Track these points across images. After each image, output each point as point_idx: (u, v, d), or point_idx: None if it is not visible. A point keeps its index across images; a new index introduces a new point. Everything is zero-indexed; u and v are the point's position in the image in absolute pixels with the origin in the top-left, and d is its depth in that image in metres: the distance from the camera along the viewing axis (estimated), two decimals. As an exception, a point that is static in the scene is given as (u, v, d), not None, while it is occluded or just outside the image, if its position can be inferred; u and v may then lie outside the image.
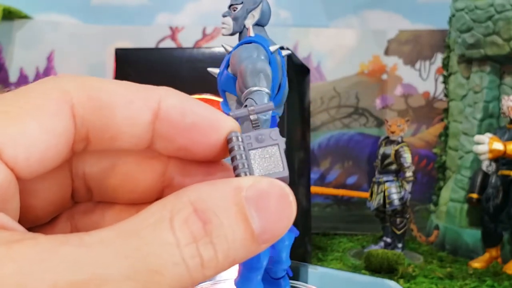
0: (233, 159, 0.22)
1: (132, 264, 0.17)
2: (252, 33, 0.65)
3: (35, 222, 0.23)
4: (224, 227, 0.19)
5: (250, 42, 0.63)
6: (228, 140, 0.22)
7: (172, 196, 0.19)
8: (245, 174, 0.21)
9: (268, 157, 0.22)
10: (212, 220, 0.18)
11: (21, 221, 0.20)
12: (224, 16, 0.67)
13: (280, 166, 0.22)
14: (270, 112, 0.62)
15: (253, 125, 0.24)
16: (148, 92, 0.22)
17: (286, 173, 0.22)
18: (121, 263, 0.17)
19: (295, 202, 0.20)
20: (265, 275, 0.67)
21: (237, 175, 0.22)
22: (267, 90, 0.59)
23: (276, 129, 0.23)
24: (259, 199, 0.19)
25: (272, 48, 0.62)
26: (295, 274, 0.73)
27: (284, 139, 0.23)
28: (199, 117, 0.22)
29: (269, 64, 0.62)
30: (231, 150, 0.22)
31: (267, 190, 0.20)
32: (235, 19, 0.66)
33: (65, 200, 0.24)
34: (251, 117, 0.24)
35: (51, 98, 0.20)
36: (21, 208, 0.21)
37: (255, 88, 0.59)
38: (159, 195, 0.24)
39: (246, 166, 0.22)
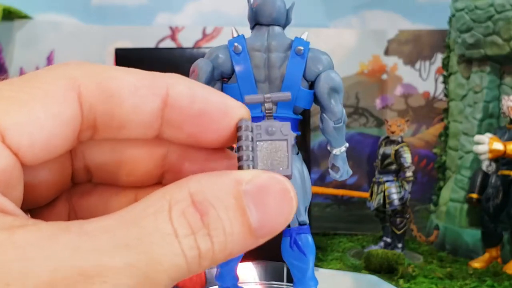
0: (239, 148, 0.22)
1: (132, 253, 0.17)
2: (234, 34, 0.66)
3: (35, 204, 0.23)
4: (222, 220, 0.19)
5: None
6: (238, 128, 0.22)
7: (172, 186, 0.19)
8: (248, 167, 0.21)
9: (275, 151, 0.22)
10: (210, 212, 0.19)
11: (21, 204, 0.20)
12: None
13: (285, 163, 0.22)
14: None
15: (266, 113, 0.23)
16: (155, 79, 0.21)
17: (289, 171, 0.22)
18: (121, 252, 0.17)
19: (296, 197, 0.20)
20: None
21: (240, 167, 0.21)
22: None
23: (288, 124, 0.22)
24: (258, 194, 0.19)
25: (236, 48, 0.63)
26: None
27: (294, 134, 0.23)
28: (209, 103, 0.21)
29: (234, 63, 0.63)
30: (238, 139, 0.22)
31: (267, 184, 0.19)
32: (248, 19, 0.68)
33: (65, 182, 0.24)
34: (266, 105, 0.23)
35: (58, 85, 0.20)
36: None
37: None
38: (158, 179, 0.24)
39: (250, 159, 0.21)
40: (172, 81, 0.21)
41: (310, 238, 0.64)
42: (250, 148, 0.21)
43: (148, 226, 0.18)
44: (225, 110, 0.22)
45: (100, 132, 0.21)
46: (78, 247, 0.17)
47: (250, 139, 0.22)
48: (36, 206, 0.23)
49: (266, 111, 0.23)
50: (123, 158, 0.23)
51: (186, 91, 0.21)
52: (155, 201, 0.19)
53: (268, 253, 0.66)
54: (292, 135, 0.22)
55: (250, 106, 0.24)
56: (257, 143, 0.22)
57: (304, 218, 0.63)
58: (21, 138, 0.19)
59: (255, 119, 0.24)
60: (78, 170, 0.24)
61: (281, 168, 0.21)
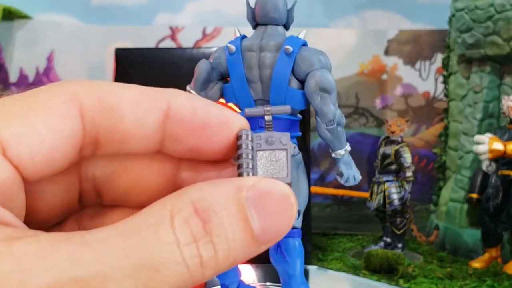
0: (239, 156, 0.22)
1: (132, 263, 0.17)
2: (237, 34, 0.66)
3: (40, 225, 0.23)
4: (224, 227, 0.18)
5: None
6: (238, 137, 0.22)
7: (173, 195, 0.19)
8: (248, 174, 0.21)
9: (275, 160, 0.22)
10: (212, 219, 0.18)
11: (26, 224, 0.20)
12: None
13: (285, 172, 0.22)
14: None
15: (266, 126, 0.24)
16: (156, 93, 0.21)
17: (289, 180, 0.22)
18: (122, 262, 0.17)
19: (296, 203, 0.20)
20: None
21: (240, 174, 0.21)
22: (191, 90, 0.64)
23: (288, 134, 0.22)
24: (260, 200, 0.19)
25: (229, 49, 0.63)
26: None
27: (294, 145, 0.23)
28: (210, 115, 0.22)
29: (228, 63, 0.63)
30: (238, 148, 0.22)
31: (268, 190, 0.19)
32: (247, 19, 0.67)
33: (71, 203, 0.24)
34: (266, 117, 0.24)
35: (60, 100, 0.20)
36: (26, 211, 0.21)
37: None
38: None
39: (250, 166, 0.21)
40: (172, 95, 0.22)
41: (297, 242, 0.61)
42: (250, 156, 0.22)
43: (148, 236, 0.18)
44: (226, 121, 0.22)
45: (102, 147, 0.21)
46: (78, 258, 0.17)
47: (250, 147, 0.22)
48: (43, 227, 0.23)
49: (266, 123, 0.24)
50: (133, 177, 0.23)
51: (187, 104, 0.22)
52: (155, 211, 0.19)
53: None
54: (291, 145, 0.22)
55: (243, 106, 0.24)
56: (257, 152, 0.22)
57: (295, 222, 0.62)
58: (22, 150, 0.19)
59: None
60: (87, 192, 0.24)
61: (280, 177, 0.22)
